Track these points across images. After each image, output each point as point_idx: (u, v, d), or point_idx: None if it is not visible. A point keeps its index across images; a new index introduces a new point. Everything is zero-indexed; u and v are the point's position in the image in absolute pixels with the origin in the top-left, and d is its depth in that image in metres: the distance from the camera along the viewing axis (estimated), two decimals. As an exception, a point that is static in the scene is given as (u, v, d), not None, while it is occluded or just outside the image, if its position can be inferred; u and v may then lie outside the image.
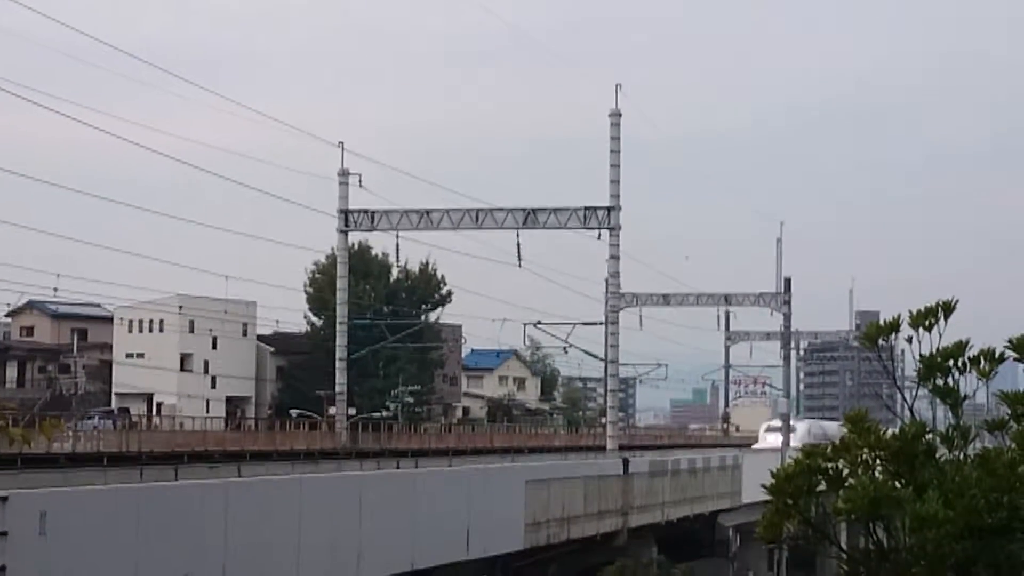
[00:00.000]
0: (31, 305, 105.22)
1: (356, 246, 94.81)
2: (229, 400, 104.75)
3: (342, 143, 65.98)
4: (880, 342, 9.62)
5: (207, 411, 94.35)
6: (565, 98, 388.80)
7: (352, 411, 74.43)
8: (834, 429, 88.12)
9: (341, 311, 68.59)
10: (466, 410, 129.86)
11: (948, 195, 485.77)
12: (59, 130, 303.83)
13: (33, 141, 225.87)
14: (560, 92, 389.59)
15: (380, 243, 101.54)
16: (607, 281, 66.08)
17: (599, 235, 61.51)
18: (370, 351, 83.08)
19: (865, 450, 9.43)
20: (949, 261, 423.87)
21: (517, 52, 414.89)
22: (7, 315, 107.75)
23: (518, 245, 62.07)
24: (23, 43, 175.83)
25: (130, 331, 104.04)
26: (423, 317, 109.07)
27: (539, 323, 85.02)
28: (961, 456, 9.31)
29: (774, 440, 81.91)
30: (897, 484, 9.23)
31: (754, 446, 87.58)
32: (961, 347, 9.41)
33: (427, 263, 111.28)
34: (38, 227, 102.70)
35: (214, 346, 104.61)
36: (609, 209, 60.93)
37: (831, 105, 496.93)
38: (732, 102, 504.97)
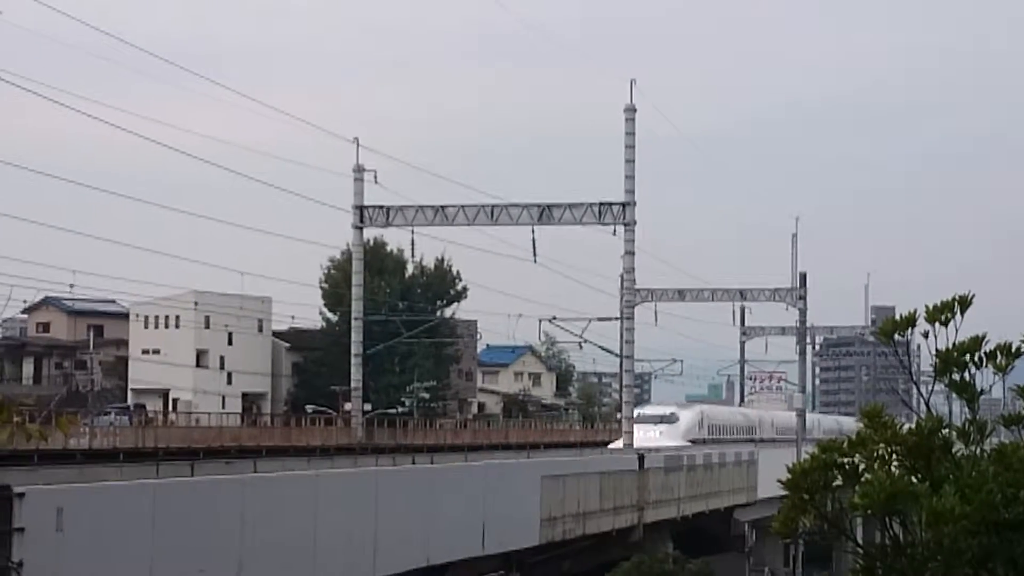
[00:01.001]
0: (47, 301, 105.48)
1: (371, 242, 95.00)
2: (245, 396, 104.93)
3: (357, 139, 65.84)
4: (896, 337, 9.60)
5: (223, 407, 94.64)
6: (580, 93, 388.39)
7: (368, 407, 74.50)
8: (739, 418, 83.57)
9: (356, 307, 68.60)
10: (481, 406, 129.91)
11: (963, 189, 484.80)
12: (72, 126, 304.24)
13: (46, 137, 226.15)
14: (575, 87, 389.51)
15: (395, 239, 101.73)
16: (622, 277, 65.91)
17: (614, 231, 61.42)
18: (385, 347, 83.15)
19: (881, 445, 9.41)
20: (965, 256, 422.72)
21: (529, 47, 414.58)
22: (24, 311, 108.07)
23: (533, 241, 61.93)
24: (34, 38, 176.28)
25: (146, 327, 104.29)
26: (438, 313, 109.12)
27: (554, 319, 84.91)
28: (978, 451, 9.29)
29: (640, 436, 63.81)
30: (913, 479, 9.22)
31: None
32: (977, 342, 9.39)
33: (442, 259, 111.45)
34: (54, 223, 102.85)
35: (230, 342, 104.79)
36: (624, 205, 60.83)
37: (842, 100, 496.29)
38: (743, 98, 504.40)
